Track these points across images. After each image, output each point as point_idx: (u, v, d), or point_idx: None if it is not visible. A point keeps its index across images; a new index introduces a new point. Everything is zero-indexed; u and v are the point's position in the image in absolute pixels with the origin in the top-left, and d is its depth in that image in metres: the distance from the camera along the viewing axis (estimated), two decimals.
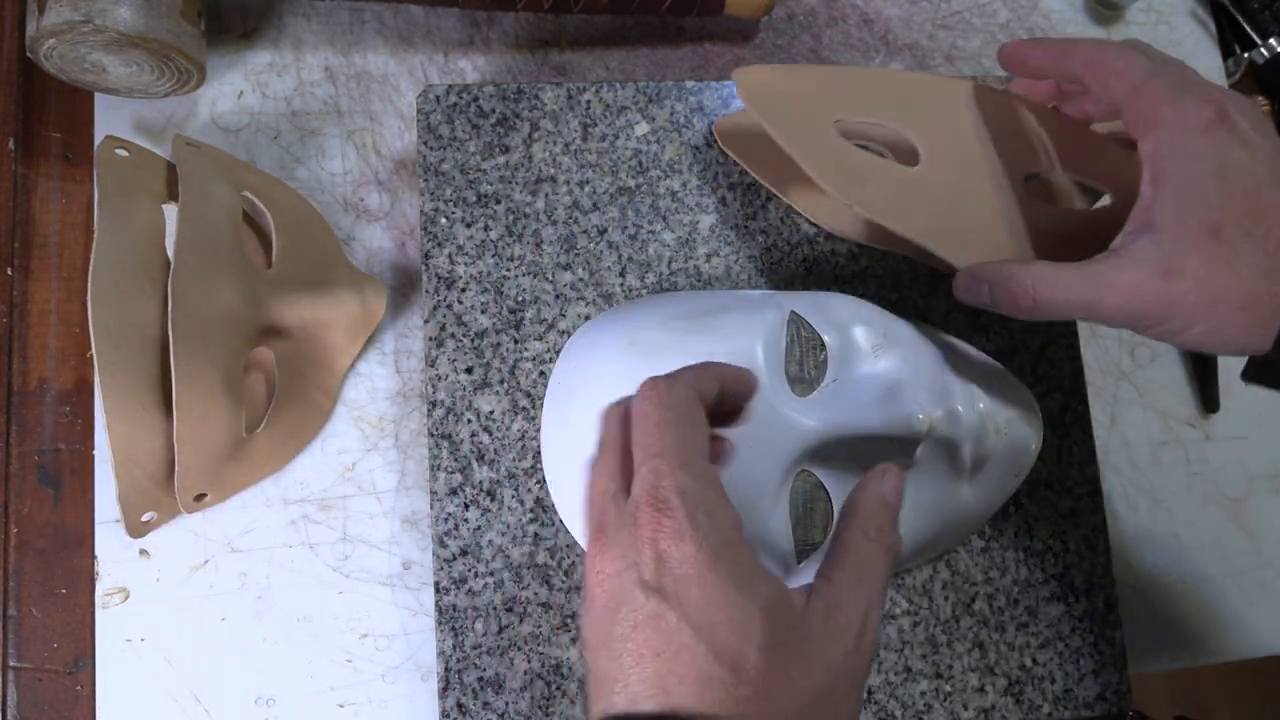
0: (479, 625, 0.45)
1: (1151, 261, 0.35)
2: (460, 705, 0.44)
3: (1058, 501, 0.51)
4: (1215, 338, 0.35)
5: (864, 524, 0.32)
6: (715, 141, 0.51)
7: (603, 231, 0.49)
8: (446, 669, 0.44)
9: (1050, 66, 0.42)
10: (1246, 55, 0.63)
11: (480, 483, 0.46)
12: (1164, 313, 0.35)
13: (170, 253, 0.44)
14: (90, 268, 0.41)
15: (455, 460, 0.46)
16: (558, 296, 0.48)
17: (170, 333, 0.41)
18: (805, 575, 0.45)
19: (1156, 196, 0.36)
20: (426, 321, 0.47)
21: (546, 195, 0.49)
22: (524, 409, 0.47)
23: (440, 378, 0.47)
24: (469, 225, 0.48)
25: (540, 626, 0.45)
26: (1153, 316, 0.35)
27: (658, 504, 0.28)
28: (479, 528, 0.46)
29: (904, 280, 0.52)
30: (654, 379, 0.32)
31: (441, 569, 0.45)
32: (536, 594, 0.45)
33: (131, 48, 0.44)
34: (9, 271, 0.49)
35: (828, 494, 0.44)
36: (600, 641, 0.28)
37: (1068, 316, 0.37)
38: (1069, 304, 0.36)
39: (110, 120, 0.51)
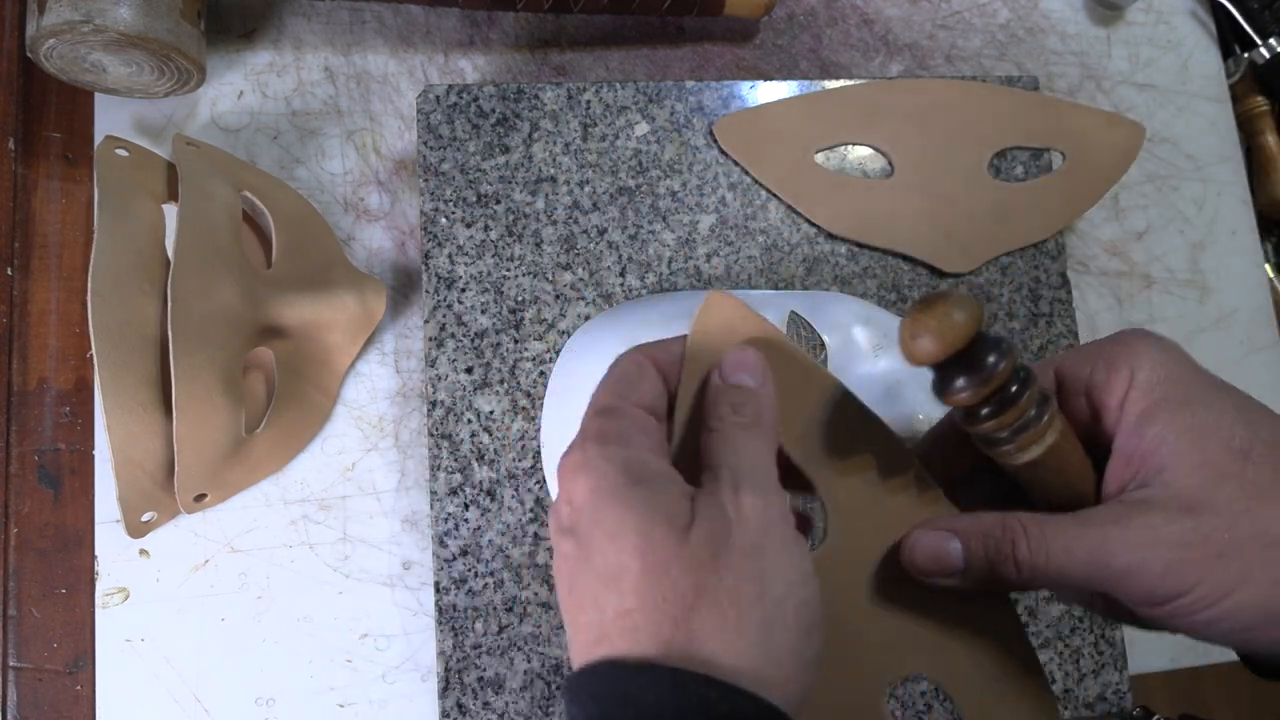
0: (479, 625, 0.45)
1: (1169, 500, 0.27)
2: (460, 705, 0.44)
3: None
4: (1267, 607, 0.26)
5: (711, 416, 0.29)
6: (715, 141, 0.51)
7: (603, 231, 0.49)
8: (446, 669, 0.44)
9: None
10: (1246, 55, 0.63)
11: (480, 483, 0.46)
12: (1196, 566, 0.26)
13: (170, 253, 0.44)
14: (90, 268, 0.41)
15: (455, 460, 0.46)
16: (558, 296, 0.48)
17: (170, 333, 0.41)
18: None
19: (1157, 428, 0.28)
20: (426, 321, 0.47)
21: (546, 195, 0.49)
22: (524, 409, 0.47)
23: (440, 378, 0.47)
24: (469, 225, 0.48)
25: (540, 626, 0.45)
26: (1184, 576, 0.26)
27: (570, 450, 0.27)
28: (479, 528, 0.46)
29: (904, 280, 0.52)
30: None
31: (441, 569, 0.45)
32: (536, 594, 0.45)
33: (131, 48, 0.44)
34: (9, 271, 0.49)
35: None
36: (562, 598, 0.28)
37: (1065, 585, 0.28)
38: (1068, 565, 0.27)
39: (110, 120, 0.51)
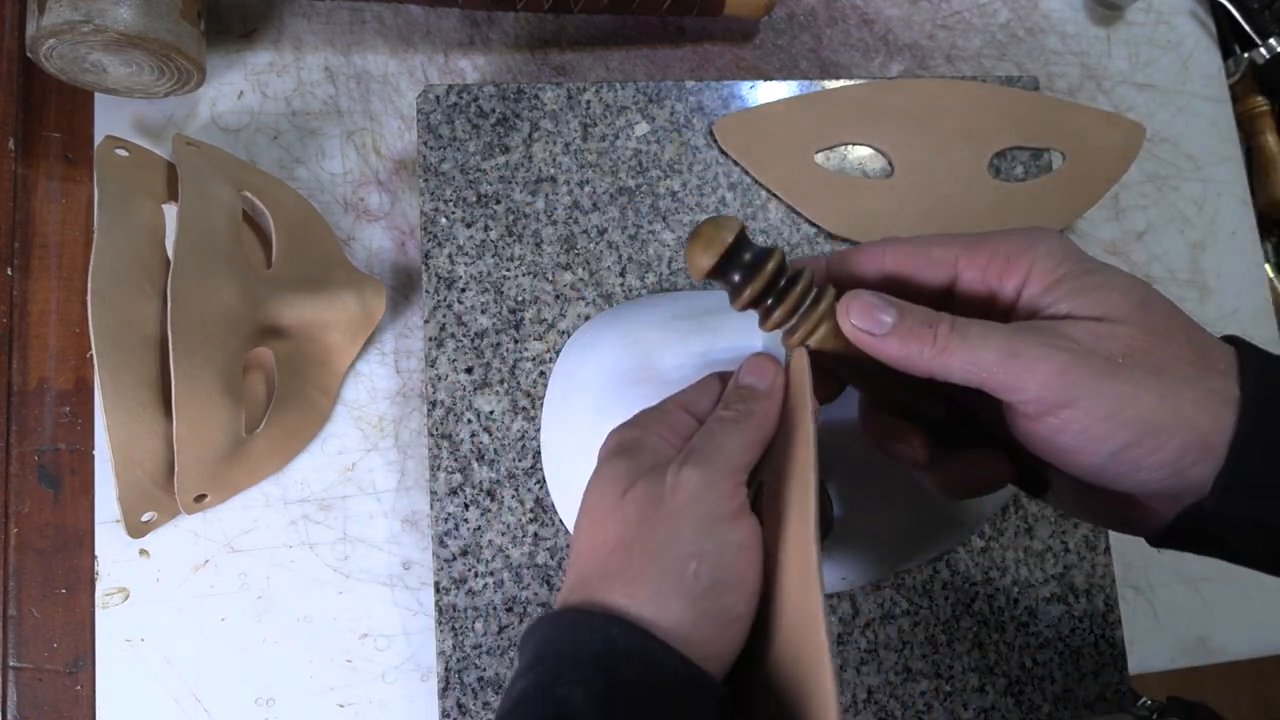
0: (479, 625, 0.45)
1: (1072, 332, 0.28)
2: (460, 705, 0.44)
3: None
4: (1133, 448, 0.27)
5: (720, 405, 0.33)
6: (715, 141, 0.51)
7: (603, 231, 0.49)
8: (446, 669, 0.44)
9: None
10: (1246, 55, 0.63)
11: (480, 483, 0.46)
12: (1089, 378, 0.27)
13: (170, 253, 0.44)
14: (90, 268, 0.41)
15: (455, 460, 0.46)
16: (558, 296, 0.48)
17: (169, 333, 0.41)
18: None
19: (1059, 294, 0.30)
20: (426, 321, 0.47)
21: (546, 195, 0.49)
22: (524, 409, 0.47)
23: (440, 378, 0.47)
24: (469, 225, 0.49)
25: None
26: (1077, 384, 0.27)
27: None
28: (479, 528, 0.46)
29: None
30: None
31: (441, 569, 0.45)
32: (536, 594, 0.45)
33: (131, 48, 0.44)
34: (9, 271, 0.49)
35: (828, 493, 0.44)
36: None
37: (970, 376, 0.29)
38: (979, 351, 0.28)
39: (110, 120, 0.51)
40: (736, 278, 0.31)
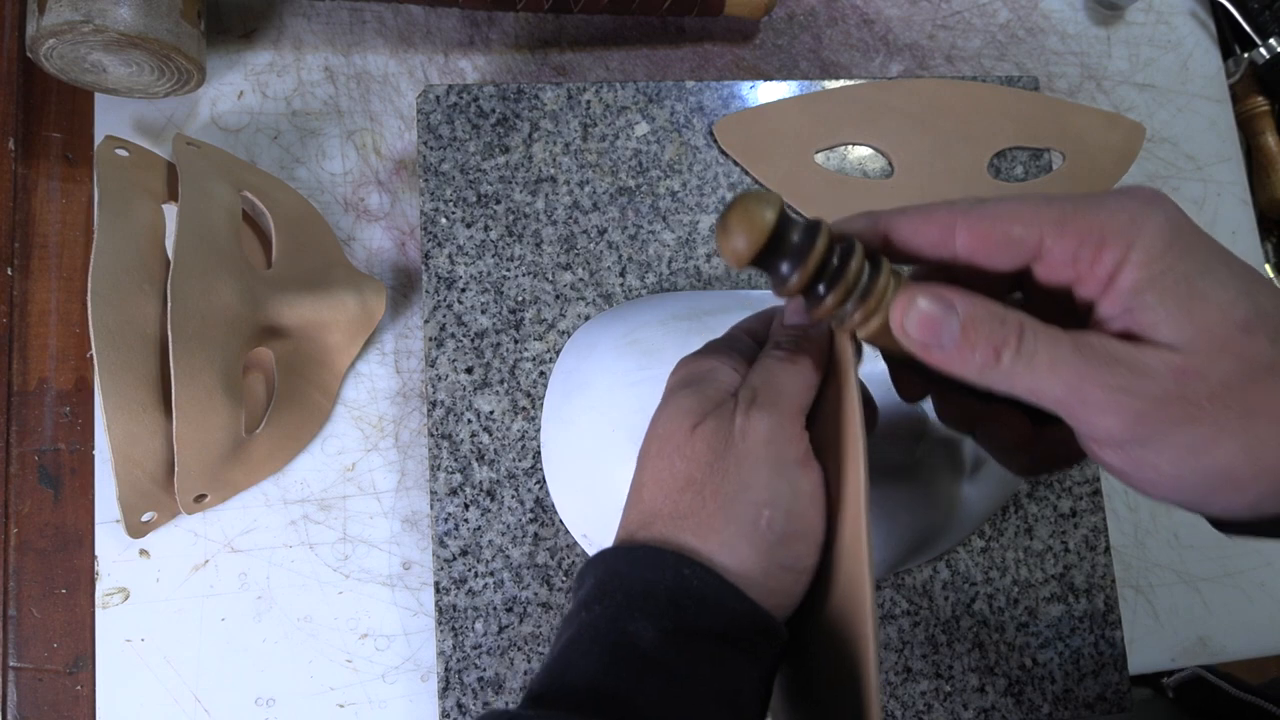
0: (479, 625, 0.45)
1: (1159, 359, 0.25)
2: (460, 705, 0.44)
3: (1058, 501, 0.51)
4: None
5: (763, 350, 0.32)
6: (715, 141, 0.51)
7: (603, 231, 0.49)
8: (446, 669, 0.44)
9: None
10: (1246, 55, 0.63)
11: (480, 483, 0.46)
12: (1167, 421, 0.24)
13: (170, 253, 0.44)
14: (90, 268, 0.41)
15: (455, 460, 0.46)
16: (558, 296, 0.48)
17: (169, 333, 0.41)
18: None
19: (1152, 297, 0.26)
20: (426, 321, 0.47)
21: (546, 195, 0.49)
22: (524, 409, 0.47)
23: (440, 378, 0.47)
24: (469, 225, 0.49)
25: (540, 626, 0.45)
26: (1152, 427, 0.25)
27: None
28: (479, 528, 0.46)
29: None
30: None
31: (441, 569, 0.45)
32: (536, 594, 0.45)
33: (131, 48, 0.44)
34: (9, 271, 0.49)
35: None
36: None
37: (1032, 400, 0.26)
38: (1045, 384, 0.25)
39: (110, 120, 0.51)
40: (784, 267, 0.27)
